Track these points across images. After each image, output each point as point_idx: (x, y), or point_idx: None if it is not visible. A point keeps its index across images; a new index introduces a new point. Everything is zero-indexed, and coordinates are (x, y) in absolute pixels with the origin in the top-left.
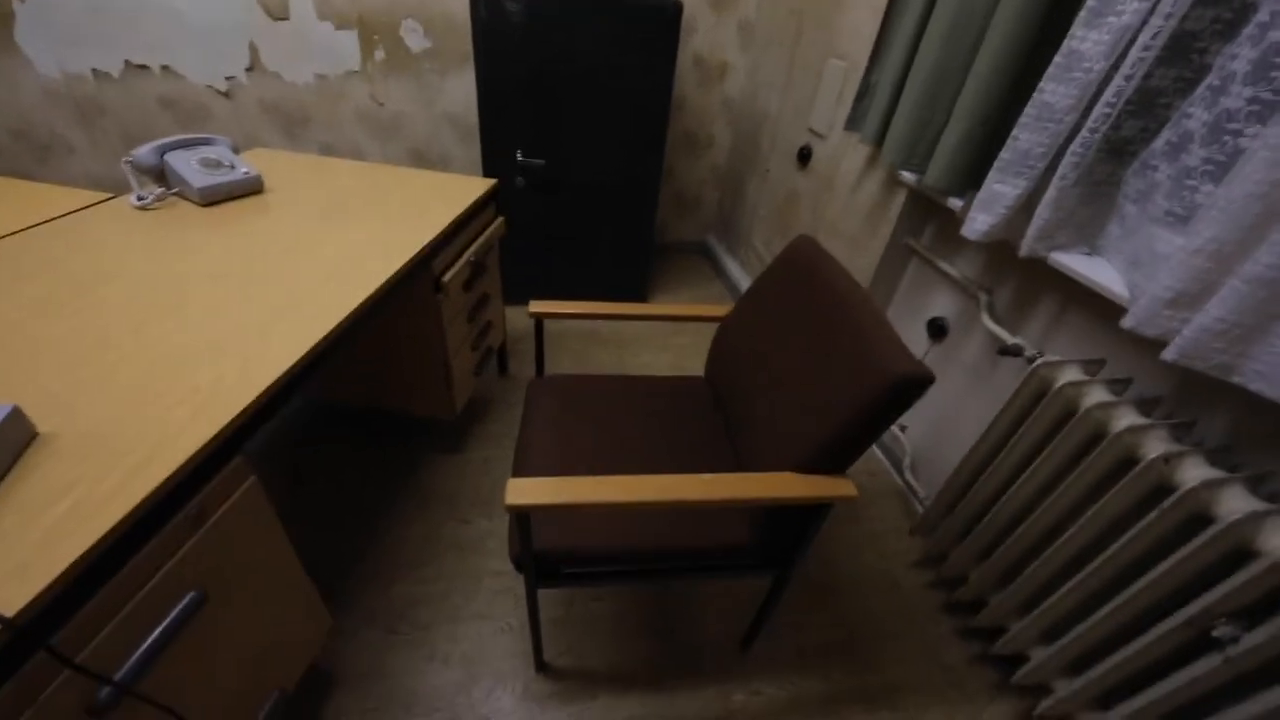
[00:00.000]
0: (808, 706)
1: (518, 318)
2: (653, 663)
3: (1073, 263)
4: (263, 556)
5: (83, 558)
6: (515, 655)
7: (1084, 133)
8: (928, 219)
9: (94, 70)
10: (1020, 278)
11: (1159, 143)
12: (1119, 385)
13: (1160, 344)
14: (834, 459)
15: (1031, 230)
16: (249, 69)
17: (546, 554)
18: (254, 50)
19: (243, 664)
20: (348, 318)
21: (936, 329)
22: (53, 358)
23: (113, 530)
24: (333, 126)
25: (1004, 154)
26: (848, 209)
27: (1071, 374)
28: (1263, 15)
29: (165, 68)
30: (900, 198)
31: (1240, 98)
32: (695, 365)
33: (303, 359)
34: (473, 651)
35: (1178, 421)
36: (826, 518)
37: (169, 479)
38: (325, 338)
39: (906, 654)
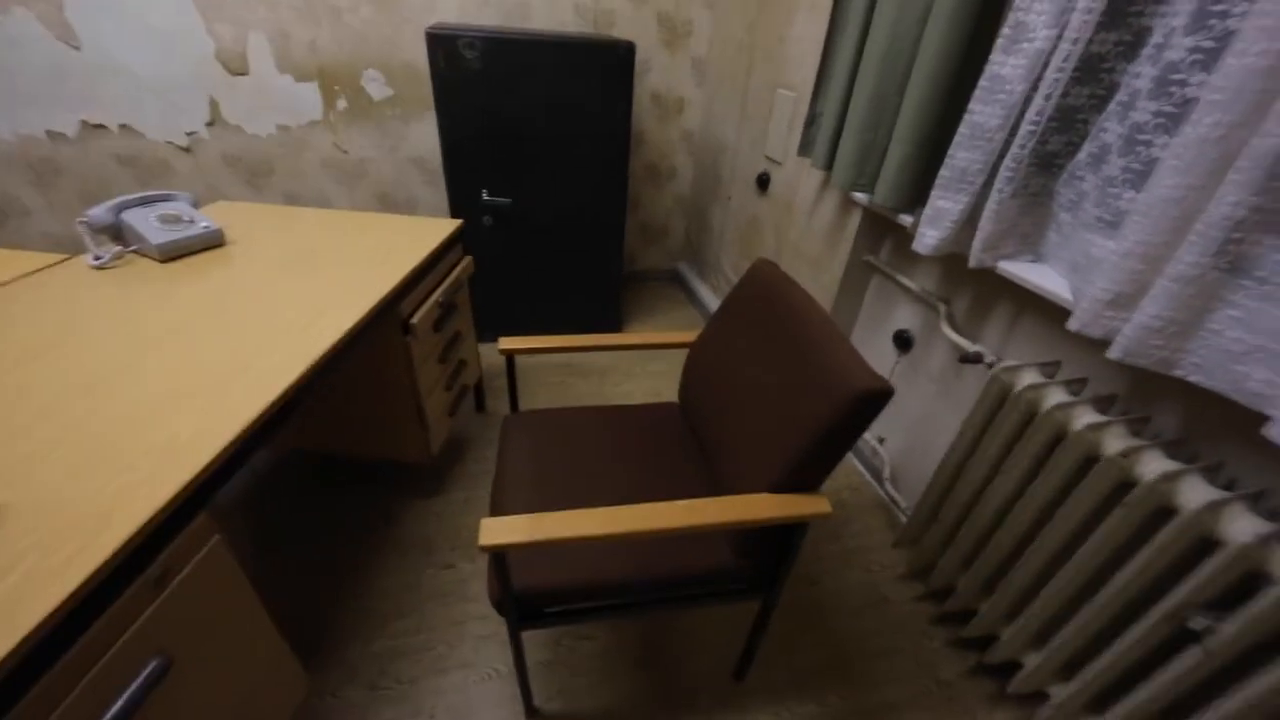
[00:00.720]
0: None
1: (493, 353)
2: (647, 700)
3: (1020, 270)
4: (231, 616)
5: (35, 631)
6: (504, 703)
7: (1014, 149)
8: (884, 236)
9: (48, 131)
10: (975, 287)
11: (1082, 155)
12: (1076, 385)
13: (1106, 343)
14: (805, 477)
15: (977, 242)
16: (210, 123)
17: (527, 594)
18: (214, 105)
19: None
20: (311, 368)
21: (902, 341)
22: (1, 427)
23: (67, 600)
24: (297, 176)
25: (944, 172)
26: (808, 230)
27: (1030, 377)
28: (1157, 38)
29: (124, 126)
30: (856, 217)
31: (1146, 111)
32: (673, 390)
33: (264, 412)
34: (459, 704)
35: (1133, 417)
36: (805, 536)
37: (126, 543)
38: (288, 390)
39: (901, 671)
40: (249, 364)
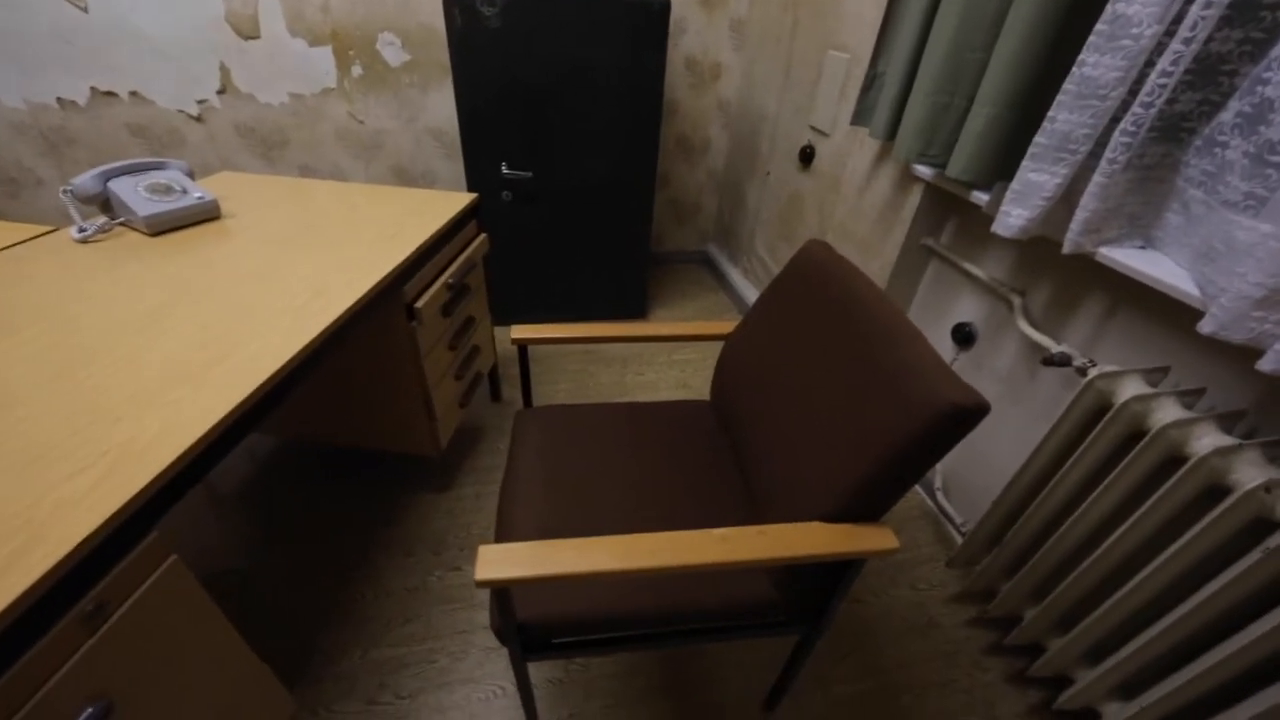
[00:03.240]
0: None
1: (508, 339)
2: None
3: (1126, 259)
4: (192, 647)
5: None
6: None
7: (1135, 108)
8: (947, 216)
9: (59, 99)
10: (1058, 278)
11: (1227, 115)
12: (1190, 397)
13: (1243, 349)
14: (867, 504)
15: (1076, 223)
16: (220, 91)
17: (533, 624)
18: (225, 72)
19: None
20: (298, 356)
21: (963, 336)
22: None
23: None
24: (312, 148)
25: (1040, 139)
26: (857, 210)
27: (1135, 386)
28: None
29: (134, 93)
30: (915, 195)
31: None
32: (701, 382)
33: (238, 408)
34: None
35: (1270, 440)
36: (861, 571)
37: (54, 569)
38: (267, 382)
39: (952, 707)
40: (231, 350)
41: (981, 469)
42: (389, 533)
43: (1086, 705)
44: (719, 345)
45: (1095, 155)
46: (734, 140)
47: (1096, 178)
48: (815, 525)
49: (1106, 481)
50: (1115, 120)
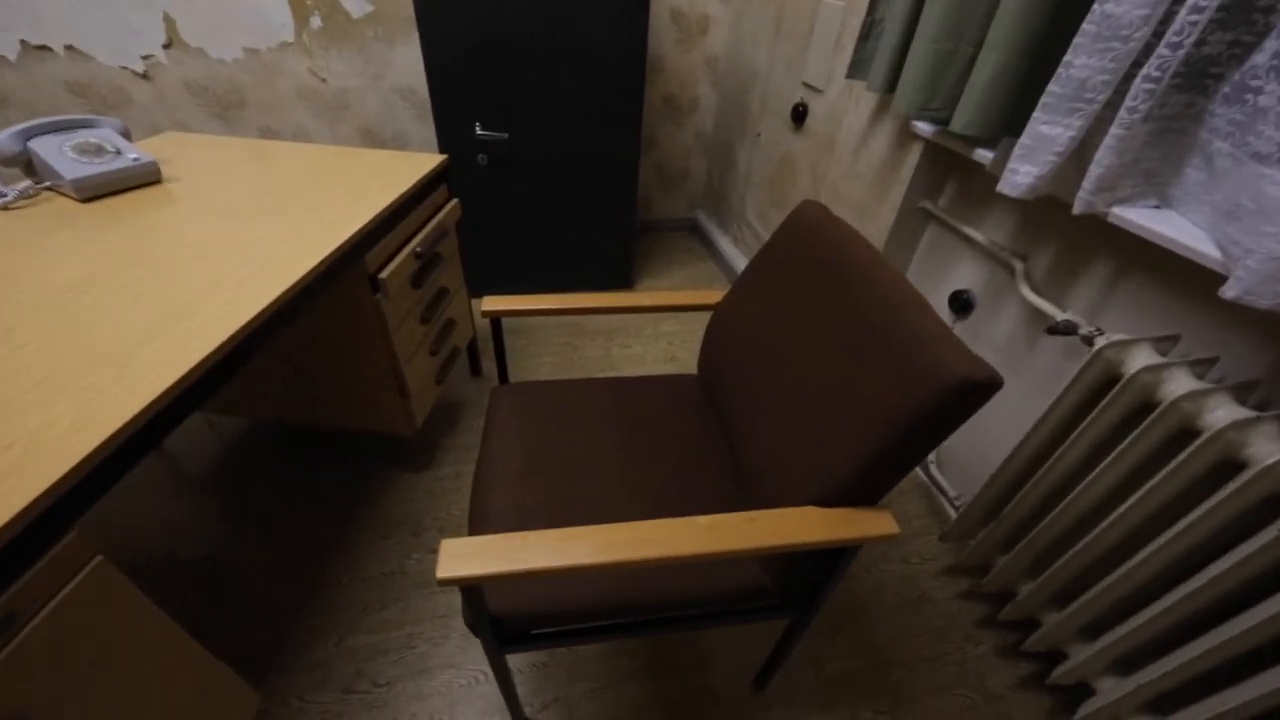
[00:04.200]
0: None
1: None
2: (655, 710)
3: (1140, 218)
4: (131, 653)
5: None
6: (491, 712)
7: (1161, 50)
8: (946, 177)
9: None
10: (1063, 241)
11: (1261, 58)
12: (1202, 367)
13: (1264, 316)
14: (866, 486)
15: (1089, 181)
16: (166, 45)
17: (509, 616)
18: (170, 22)
19: None
20: (237, 334)
21: (961, 304)
22: None
23: None
24: (272, 108)
25: (1053, 87)
26: (852, 172)
27: (1146, 356)
28: None
29: (69, 48)
30: (914, 154)
31: None
32: (689, 355)
33: (167, 392)
34: (442, 711)
35: None
36: (855, 556)
37: None
38: (203, 363)
39: (944, 681)
40: (165, 326)
41: (976, 442)
42: (365, 515)
43: (1081, 680)
44: (707, 317)
45: (1111, 106)
46: (723, 99)
47: (1114, 130)
48: (809, 510)
49: (1113, 455)
50: (1136, 66)
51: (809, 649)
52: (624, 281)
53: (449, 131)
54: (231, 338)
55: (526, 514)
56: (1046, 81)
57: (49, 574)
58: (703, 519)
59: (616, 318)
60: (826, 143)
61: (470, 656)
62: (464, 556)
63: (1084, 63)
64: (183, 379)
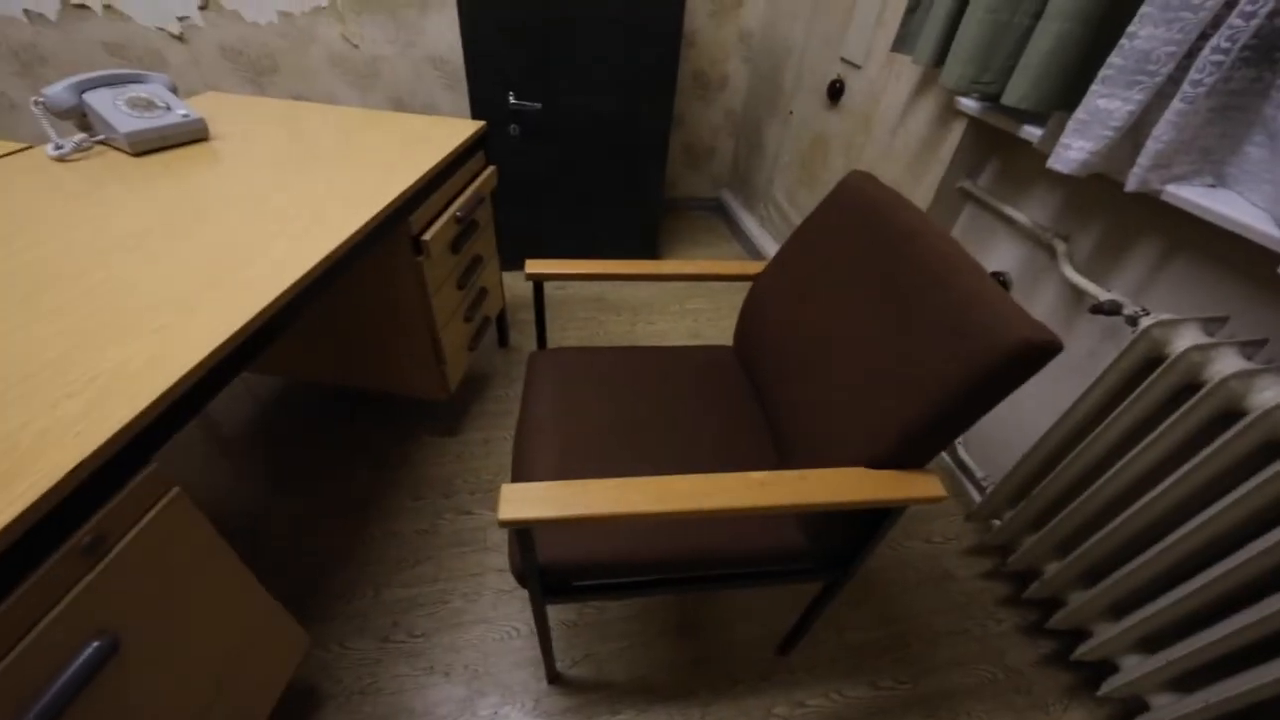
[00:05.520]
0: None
1: (515, 283)
2: (680, 670)
3: (1195, 197)
4: (201, 583)
5: None
6: (524, 665)
7: (1234, 19)
8: (988, 156)
9: (26, 10)
10: (1107, 221)
11: None
12: (1251, 348)
13: None
14: (915, 449)
15: (1144, 157)
16: (203, 7)
17: (554, 567)
18: None
19: (186, 708)
20: (296, 285)
21: (998, 284)
22: None
23: None
24: (304, 75)
25: (1114, 59)
26: (889, 151)
27: (1193, 336)
28: None
29: (107, 7)
30: (956, 132)
31: None
32: (715, 333)
33: (236, 336)
34: (476, 662)
35: None
36: (897, 521)
37: (40, 501)
38: (265, 310)
39: (964, 655)
40: (224, 277)
41: (1005, 422)
42: (397, 476)
43: (1104, 657)
44: (733, 295)
45: (1172, 80)
46: (755, 76)
47: (1176, 104)
48: (858, 471)
49: (1155, 434)
50: (1203, 38)
51: (831, 618)
52: (650, 258)
53: (483, 100)
54: (292, 286)
55: (569, 472)
56: (1104, 54)
57: (132, 502)
58: (756, 474)
59: (642, 294)
60: (862, 121)
61: (502, 613)
62: (525, 500)
63: (1149, 33)
64: (250, 322)
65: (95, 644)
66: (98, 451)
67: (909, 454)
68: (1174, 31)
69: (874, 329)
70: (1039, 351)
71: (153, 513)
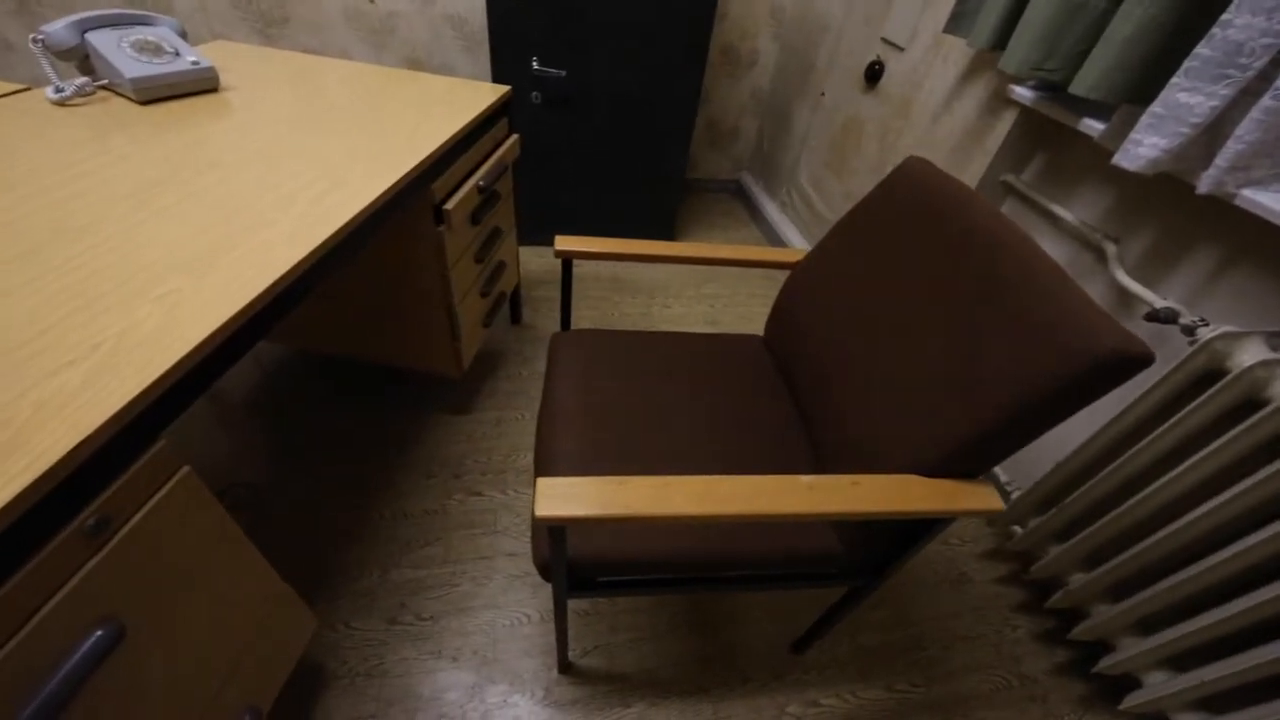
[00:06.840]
0: None
1: (528, 258)
2: (693, 665)
3: (1274, 203)
4: (211, 566)
5: None
6: (534, 653)
7: None
8: (1037, 149)
9: None
10: (1164, 223)
11: None
12: None
13: None
14: (973, 460)
15: (1223, 158)
16: None
17: (581, 562)
18: None
19: (194, 692)
20: (315, 252)
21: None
22: None
23: None
24: (316, 29)
25: (1201, 49)
26: (928, 139)
27: (1259, 350)
28: None
29: None
30: (1006, 122)
31: None
32: (731, 319)
33: (252, 304)
34: (485, 647)
35: None
36: (945, 529)
37: (39, 481)
38: (283, 278)
39: (980, 660)
40: (238, 239)
41: None
42: (406, 453)
43: (1128, 672)
44: (750, 282)
45: (1262, 76)
46: (785, 54)
47: (1266, 101)
48: (913, 479)
49: (1207, 450)
50: None
51: (845, 620)
52: (668, 238)
53: (505, 65)
54: (313, 252)
55: (594, 460)
56: (1184, 44)
57: (139, 481)
58: (804, 478)
59: (658, 275)
60: (901, 106)
61: (512, 599)
62: (562, 496)
63: (1245, 22)
64: (268, 289)
65: (99, 632)
66: (103, 428)
67: (966, 463)
68: (1274, 22)
69: (938, 328)
70: (1131, 363)
71: (161, 493)
